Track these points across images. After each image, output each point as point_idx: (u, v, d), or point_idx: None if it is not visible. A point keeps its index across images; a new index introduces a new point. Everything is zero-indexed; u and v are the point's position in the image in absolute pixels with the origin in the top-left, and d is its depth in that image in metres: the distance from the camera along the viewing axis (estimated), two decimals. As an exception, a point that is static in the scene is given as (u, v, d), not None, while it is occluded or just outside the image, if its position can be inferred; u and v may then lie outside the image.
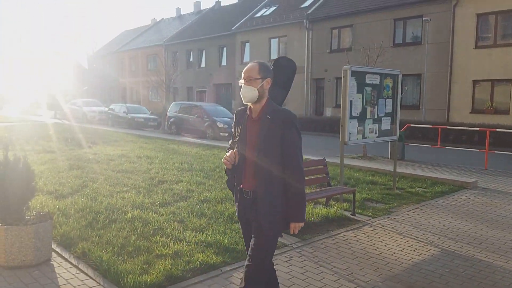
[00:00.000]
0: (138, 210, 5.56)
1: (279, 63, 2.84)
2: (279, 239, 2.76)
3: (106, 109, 25.88)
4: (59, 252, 4.24)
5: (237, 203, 2.77)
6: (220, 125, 17.23)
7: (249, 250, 2.69)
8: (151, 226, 4.95)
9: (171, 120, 19.62)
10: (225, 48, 31.44)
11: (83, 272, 3.81)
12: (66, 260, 4.07)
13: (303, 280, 3.82)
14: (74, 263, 4.00)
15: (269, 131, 2.57)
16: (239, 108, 2.81)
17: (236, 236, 4.67)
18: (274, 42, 27.63)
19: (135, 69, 41.22)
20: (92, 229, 4.81)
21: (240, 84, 2.66)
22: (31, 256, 3.85)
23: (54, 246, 4.32)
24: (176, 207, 5.80)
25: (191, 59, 34.74)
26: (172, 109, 19.90)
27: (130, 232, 4.72)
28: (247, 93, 2.62)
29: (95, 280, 3.64)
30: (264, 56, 27.46)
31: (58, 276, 3.71)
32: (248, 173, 2.65)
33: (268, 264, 2.74)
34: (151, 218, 5.24)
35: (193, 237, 4.64)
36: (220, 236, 4.66)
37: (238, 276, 3.78)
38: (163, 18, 46.11)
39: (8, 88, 50.34)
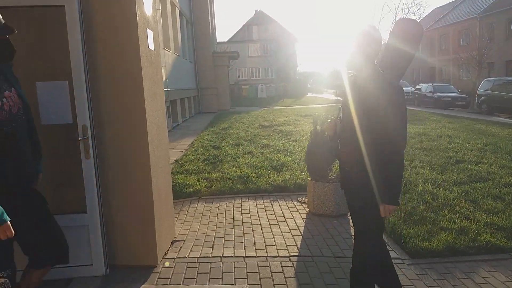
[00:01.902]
0: (429, 185, 5.69)
1: (397, 27, 2.52)
2: None
3: (413, 89, 25.99)
4: (355, 210, 4.98)
5: (340, 173, 2.69)
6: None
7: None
8: (440, 201, 5.02)
9: (482, 98, 17.79)
10: None
11: (372, 229, 4.38)
12: (359, 217, 4.75)
13: None
14: (365, 220, 4.63)
15: (365, 101, 2.34)
16: (351, 75, 2.59)
17: (539, 226, 4.14)
18: None
19: (445, 47, 39.00)
20: (383, 196, 5.33)
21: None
22: (332, 208, 4.73)
23: (351, 205, 5.11)
24: (471, 187, 5.56)
25: (514, 28, 29.78)
26: (483, 87, 18.00)
27: (419, 203, 4.96)
28: (349, 60, 2.48)
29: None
30: None
31: (351, 227, 4.42)
32: (346, 143, 2.48)
33: (373, 258, 2.50)
34: (442, 194, 5.28)
35: (484, 218, 4.43)
36: (518, 222, 4.24)
37: (532, 266, 3.43)
38: (480, -13, 41.25)
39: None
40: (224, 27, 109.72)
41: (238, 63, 43.70)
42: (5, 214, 1.91)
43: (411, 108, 21.15)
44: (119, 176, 3.24)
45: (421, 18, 49.64)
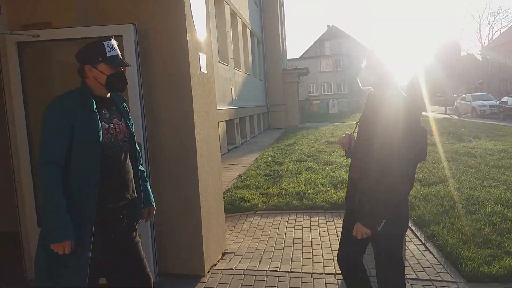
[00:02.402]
0: (500, 205, 5.27)
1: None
2: None
3: (498, 102, 24.06)
4: (413, 230, 4.77)
5: (347, 187, 2.60)
6: None
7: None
8: (509, 223, 4.64)
9: None
10: None
11: (428, 250, 4.18)
12: (417, 237, 4.55)
13: None
14: (423, 241, 4.42)
15: (376, 121, 2.25)
16: (371, 91, 2.50)
17: None
18: None
19: (539, 54, 35.62)
20: (447, 215, 5.05)
21: (362, 66, 2.45)
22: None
23: (411, 224, 4.92)
24: (549, 209, 5.06)
25: None
26: None
27: (484, 225, 4.63)
28: (363, 77, 2.40)
29: (437, 259, 3.93)
30: None
31: (406, 248, 4.24)
32: (358, 159, 2.42)
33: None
34: (513, 215, 4.88)
35: (559, 243, 4.01)
36: None
37: None
38: None
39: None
40: (297, 44, 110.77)
41: (309, 79, 43.72)
42: (67, 231, 1.99)
43: (494, 123, 19.59)
44: (169, 189, 3.49)
45: (509, 25, 46.02)
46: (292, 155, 10.51)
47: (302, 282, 3.49)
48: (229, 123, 13.49)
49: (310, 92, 50.82)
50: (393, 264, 2.38)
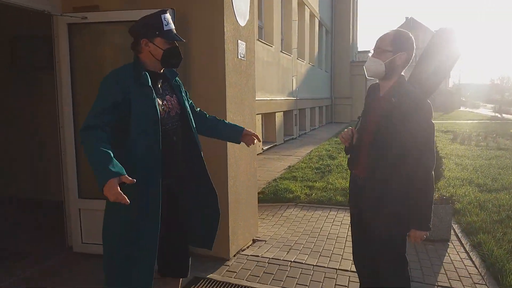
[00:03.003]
0: None
1: (438, 38, 2.22)
2: None
3: None
4: (459, 236, 4.46)
5: (350, 189, 2.51)
6: None
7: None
8: None
9: None
10: None
11: (470, 259, 3.89)
12: (461, 245, 4.25)
13: None
14: (467, 249, 4.12)
15: (390, 116, 2.12)
16: (373, 83, 2.28)
17: None
18: None
19: None
20: (500, 225, 4.66)
21: (369, 55, 2.12)
22: (431, 232, 4.32)
23: (458, 230, 4.61)
24: None
25: None
26: None
27: (542, 239, 4.20)
28: (371, 66, 2.19)
29: (478, 269, 3.65)
30: None
31: (446, 254, 4.00)
32: (363, 156, 2.26)
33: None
34: None
35: None
36: None
37: None
38: None
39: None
40: (371, 36, 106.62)
41: (381, 73, 42.01)
42: (109, 171, 1.81)
43: None
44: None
45: None
46: (348, 149, 10.24)
47: (324, 277, 3.43)
48: (287, 114, 13.43)
49: (381, 87, 48.91)
50: (401, 262, 2.29)
